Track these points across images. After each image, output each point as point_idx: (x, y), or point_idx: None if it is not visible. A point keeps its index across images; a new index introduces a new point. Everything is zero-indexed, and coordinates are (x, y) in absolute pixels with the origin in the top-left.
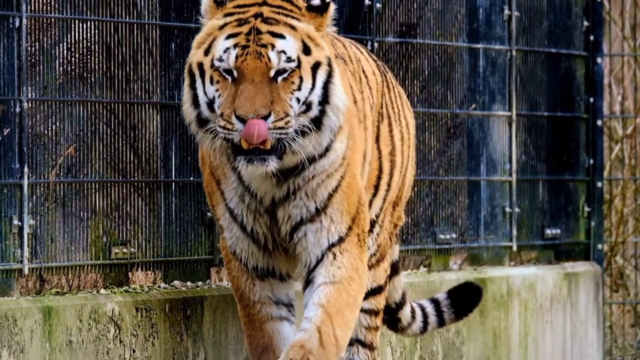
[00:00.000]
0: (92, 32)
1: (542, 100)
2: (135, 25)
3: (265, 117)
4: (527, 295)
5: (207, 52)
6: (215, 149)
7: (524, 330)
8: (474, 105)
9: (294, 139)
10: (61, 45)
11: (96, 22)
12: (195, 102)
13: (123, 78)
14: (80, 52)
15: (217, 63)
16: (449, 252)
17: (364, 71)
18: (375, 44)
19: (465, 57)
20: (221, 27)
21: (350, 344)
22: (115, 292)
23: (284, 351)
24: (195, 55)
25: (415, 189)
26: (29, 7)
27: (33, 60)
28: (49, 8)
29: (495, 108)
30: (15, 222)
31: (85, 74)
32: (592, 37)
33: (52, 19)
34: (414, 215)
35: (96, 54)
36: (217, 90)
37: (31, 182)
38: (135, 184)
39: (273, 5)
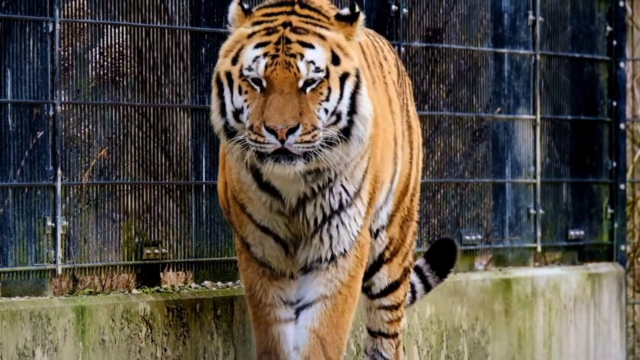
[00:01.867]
0: (124, 36)
1: (566, 104)
2: (166, 30)
3: (294, 129)
4: (551, 296)
5: (234, 61)
6: (245, 160)
7: (548, 330)
8: (499, 109)
9: (321, 150)
10: (94, 49)
11: (128, 27)
12: (223, 111)
13: (154, 82)
14: (113, 56)
15: (245, 72)
16: (475, 253)
17: (385, 58)
18: (402, 49)
19: (491, 62)
20: (249, 36)
21: (374, 336)
22: (147, 292)
23: None
24: (223, 65)
25: (442, 191)
26: (62, 12)
27: (66, 65)
28: (81, 13)
29: (520, 112)
30: (49, 223)
31: (117, 78)
32: (614, 42)
33: (85, 24)
34: (440, 216)
35: (128, 58)
36: (245, 100)
37: (64, 184)
38: (167, 185)
39: (302, 15)
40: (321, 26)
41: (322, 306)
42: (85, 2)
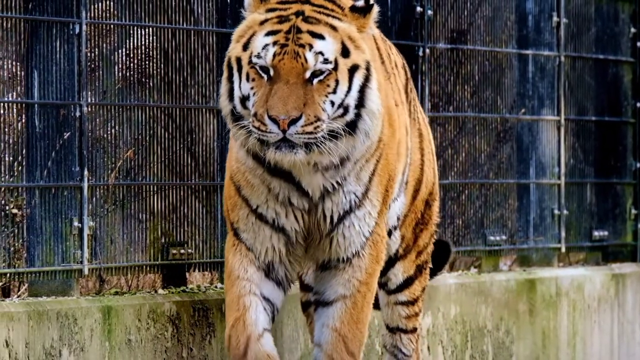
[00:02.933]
0: (150, 38)
1: (590, 105)
2: (192, 31)
3: (296, 120)
4: (575, 296)
5: (245, 47)
6: (248, 146)
7: (572, 330)
8: (523, 110)
9: (323, 142)
10: (120, 51)
11: (154, 29)
12: (231, 96)
13: (180, 83)
14: (139, 57)
15: (254, 59)
16: (499, 254)
17: (396, 64)
18: (427, 50)
19: (515, 63)
20: (262, 23)
21: (393, 332)
22: (173, 292)
23: None
24: (234, 49)
25: (466, 191)
26: (88, 14)
27: (93, 66)
28: (108, 15)
29: (544, 113)
30: (76, 223)
31: (143, 79)
32: (638, 44)
33: (111, 26)
34: (464, 217)
35: (154, 60)
36: (252, 87)
37: (91, 185)
38: (193, 186)
39: (315, 4)
40: (334, 17)
41: (342, 305)
42: (111, 3)
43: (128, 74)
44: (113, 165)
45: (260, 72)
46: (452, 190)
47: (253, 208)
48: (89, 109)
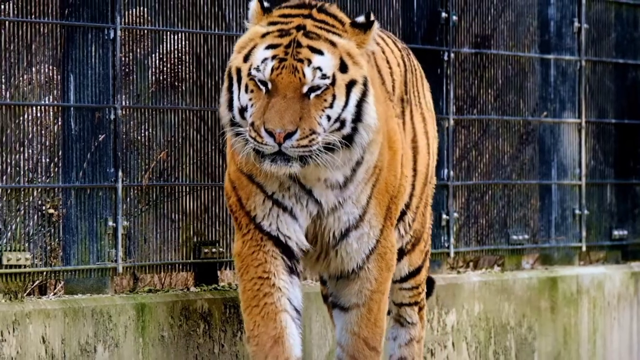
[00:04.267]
0: (183, 43)
1: (610, 108)
2: (223, 36)
3: (292, 134)
4: (595, 294)
5: (246, 59)
6: (245, 154)
7: (592, 327)
8: (545, 113)
9: (318, 155)
10: (153, 55)
11: (187, 34)
12: (231, 106)
13: (212, 87)
14: (172, 62)
15: (253, 72)
16: (522, 252)
17: (388, 62)
18: (452, 55)
19: (537, 67)
20: (263, 35)
21: (399, 306)
22: (204, 290)
23: None
24: (235, 60)
25: (490, 192)
26: (123, 20)
27: (127, 70)
28: (142, 20)
29: (566, 115)
30: (110, 223)
31: (176, 83)
32: None
33: (145, 31)
34: (488, 217)
35: (187, 64)
36: (250, 99)
37: (125, 186)
38: (224, 187)
39: (317, 19)
40: (334, 32)
41: (357, 312)
42: (145, 9)
43: (161, 77)
44: (147, 166)
45: (259, 84)
46: (476, 191)
47: (269, 194)
48: (123, 112)
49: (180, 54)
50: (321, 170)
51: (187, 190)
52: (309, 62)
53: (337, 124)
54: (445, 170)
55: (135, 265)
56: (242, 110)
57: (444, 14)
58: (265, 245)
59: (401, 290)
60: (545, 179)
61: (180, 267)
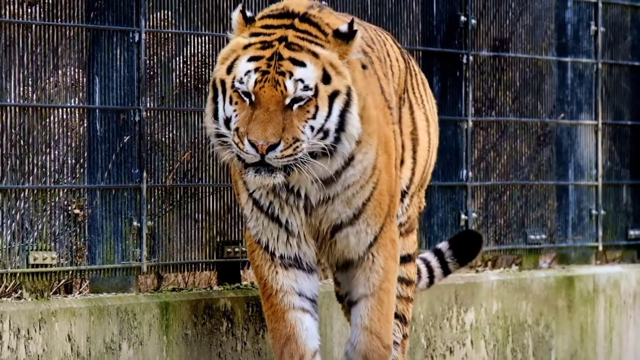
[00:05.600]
0: (207, 46)
1: (626, 109)
2: None
3: (274, 146)
4: (611, 292)
5: (229, 70)
6: (230, 161)
7: (609, 325)
8: (562, 115)
9: (303, 163)
10: (178, 58)
11: (210, 37)
12: (216, 116)
13: None
14: (196, 64)
15: (237, 84)
16: (539, 252)
17: (388, 55)
18: (471, 58)
19: (554, 70)
20: (245, 47)
21: None
22: (227, 289)
23: None
24: (219, 71)
25: (508, 192)
26: (147, 23)
27: (151, 73)
28: (166, 24)
29: (582, 117)
30: (135, 223)
31: (200, 85)
32: None
33: (169, 34)
34: (506, 217)
35: (210, 67)
36: (234, 110)
37: (149, 186)
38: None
39: (299, 30)
40: (317, 43)
41: (366, 303)
42: (169, 13)
43: (185, 80)
44: (170, 167)
45: (243, 96)
46: (495, 191)
47: (250, 192)
48: (148, 114)
49: (203, 57)
50: (303, 176)
51: (211, 190)
52: (291, 74)
53: (321, 134)
54: (464, 171)
55: (159, 264)
56: (227, 121)
57: (463, 18)
58: (256, 247)
59: None
60: (562, 179)
61: (204, 266)
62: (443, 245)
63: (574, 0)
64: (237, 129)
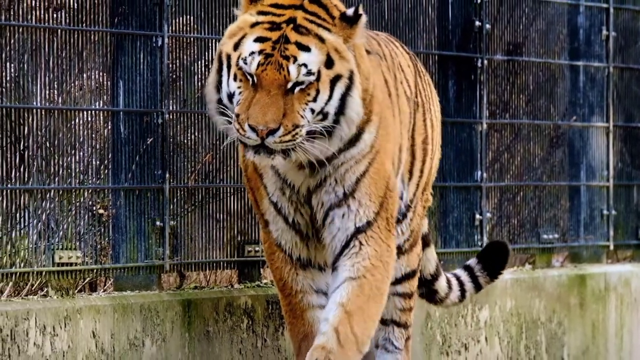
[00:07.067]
0: None
1: (637, 112)
2: None
3: (275, 131)
4: (622, 291)
5: (236, 47)
6: (225, 130)
7: (619, 322)
8: (574, 117)
9: (301, 146)
10: (199, 62)
11: None
12: (218, 88)
13: None
14: None
15: (241, 63)
16: (552, 251)
17: (400, 66)
18: (485, 62)
19: (567, 74)
20: (253, 25)
21: (386, 324)
22: (248, 287)
23: (309, 353)
24: (225, 45)
25: (521, 193)
26: (170, 28)
27: (174, 76)
28: (188, 29)
29: (594, 120)
30: (158, 223)
31: None
32: None
33: (192, 39)
34: (519, 217)
35: None
36: (238, 87)
37: (172, 187)
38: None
39: (309, 12)
40: (324, 27)
41: (348, 285)
42: (192, 18)
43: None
44: (192, 168)
45: (247, 75)
46: (508, 192)
47: (270, 196)
48: (171, 116)
49: None
50: (301, 157)
51: (232, 191)
52: (295, 59)
53: (320, 116)
54: (479, 172)
55: (181, 263)
56: (230, 96)
57: (477, 23)
58: (276, 250)
59: (394, 296)
60: (574, 180)
61: (225, 265)
62: (472, 261)
63: (585, 5)
64: (237, 115)
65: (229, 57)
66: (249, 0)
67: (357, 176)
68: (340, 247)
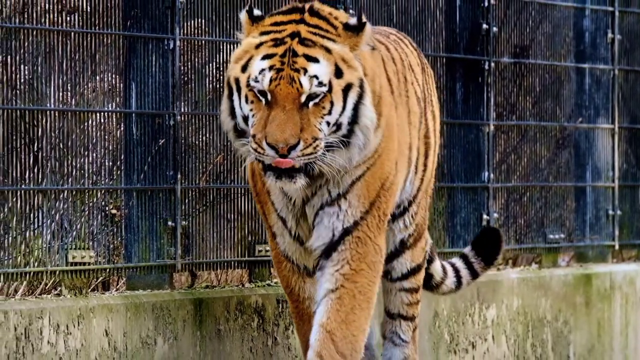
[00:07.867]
0: None
1: None
2: None
3: (295, 146)
4: (628, 290)
5: (244, 69)
6: (248, 156)
7: (625, 321)
8: (580, 119)
9: (322, 159)
10: (211, 64)
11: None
12: (233, 113)
13: None
14: None
15: (252, 83)
16: (558, 251)
17: (410, 66)
18: (492, 64)
19: (573, 76)
20: (257, 46)
21: (393, 318)
22: (258, 286)
23: None
24: (233, 70)
25: (528, 193)
26: (182, 31)
27: (185, 79)
28: (199, 31)
29: (600, 121)
30: (169, 223)
31: None
32: None
33: (203, 41)
34: (526, 217)
35: None
36: (251, 109)
37: (183, 187)
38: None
39: (310, 25)
40: (328, 38)
41: (328, 300)
42: (203, 21)
43: (218, 85)
44: (204, 169)
45: (259, 95)
46: (515, 193)
47: (277, 211)
48: (182, 118)
49: None
50: (324, 171)
51: (242, 191)
52: (305, 71)
53: (334, 127)
54: (486, 173)
55: (193, 262)
56: (246, 118)
57: (484, 26)
58: (283, 260)
59: (401, 291)
60: (580, 181)
61: (236, 264)
62: (466, 249)
63: (591, 9)
64: (254, 136)
65: (237, 80)
66: (251, 22)
67: (352, 179)
68: (324, 247)
